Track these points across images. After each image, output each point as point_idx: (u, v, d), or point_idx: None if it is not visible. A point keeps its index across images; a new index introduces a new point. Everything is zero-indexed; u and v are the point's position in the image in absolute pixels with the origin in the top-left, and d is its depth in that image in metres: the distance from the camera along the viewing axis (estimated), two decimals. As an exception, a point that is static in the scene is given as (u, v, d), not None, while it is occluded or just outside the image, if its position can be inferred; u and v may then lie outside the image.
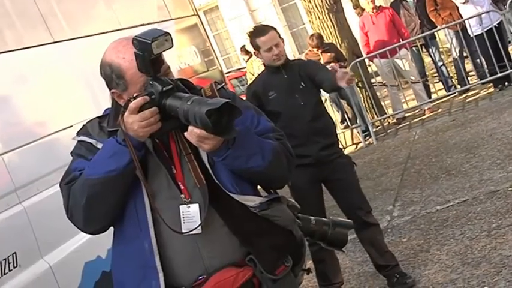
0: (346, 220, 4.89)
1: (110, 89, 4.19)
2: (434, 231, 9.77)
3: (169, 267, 4.07)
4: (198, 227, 4.00)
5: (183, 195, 4.07)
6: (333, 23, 18.66)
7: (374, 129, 17.68)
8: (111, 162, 3.96)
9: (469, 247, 8.82)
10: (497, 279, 7.72)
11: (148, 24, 10.83)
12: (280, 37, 8.38)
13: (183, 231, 4.01)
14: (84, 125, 4.37)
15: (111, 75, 4.10)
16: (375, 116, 18.58)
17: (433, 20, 19.18)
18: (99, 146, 4.16)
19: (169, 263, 4.09)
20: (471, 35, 17.91)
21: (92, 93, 8.71)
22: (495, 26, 17.46)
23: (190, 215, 4.04)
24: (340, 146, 8.88)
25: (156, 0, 12.57)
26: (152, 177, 4.11)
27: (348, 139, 17.08)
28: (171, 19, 12.70)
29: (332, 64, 8.41)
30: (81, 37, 9.54)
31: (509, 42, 17.53)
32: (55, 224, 5.93)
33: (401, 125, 18.27)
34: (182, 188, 4.09)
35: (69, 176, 4.20)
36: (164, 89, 3.82)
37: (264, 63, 8.65)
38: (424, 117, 18.28)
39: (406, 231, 10.13)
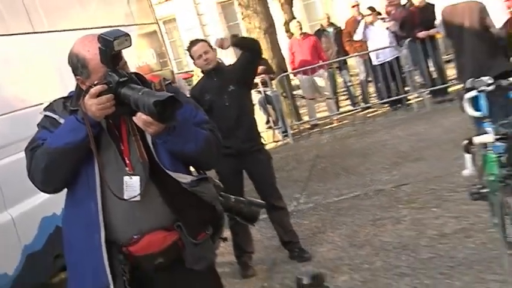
0: (260, 201, 4.94)
1: (75, 76, 4.17)
2: (330, 217, 9.92)
3: (110, 227, 4.07)
4: (137, 195, 4.02)
5: (127, 168, 4.08)
6: (267, 42, 18.66)
7: (291, 132, 17.64)
8: (70, 135, 3.98)
9: (356, 232, 8.99)
10: (375, 259, 7.88)
11: (116, 26, 10.79)
12: (210, 47, 8.48)
13: (125, 198, 4.01)
14: (50, 103, 4.36)
15: (77, 64, 4.09)
16: (293, 120, 18.54)
17: (347, 48, 19.31)
18: (62, 121, 4.15)
19: (111, 223, 4.08)
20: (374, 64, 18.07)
21: (61, 78, 8.66)
22: (396, 58, 17.62)
23: (132, 185, 4.05)
24: (263, 142, 8.85)
25: (124, 7, 12.56)
26: (103, 151, 4.10)
27: (270, 137, 17.05)
28: (135, 24, 12.70)
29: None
30: (58, 31, 9.52)
31: (409, 71, 17.57)
32: (20, 183, 5.92)
33: (313, 130, 18.26)
34: (127, 162, 4.09)
35: (33, 144, 4.20)
36: (120, 79, 3.88)
37: (202, 70, 8.67)
38: (332, 125, 18.33)
39: (308, 215, 10.25)
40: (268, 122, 17.85)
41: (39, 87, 8.81)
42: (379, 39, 17.93)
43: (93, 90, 3.87)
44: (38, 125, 4.32)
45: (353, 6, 19.93)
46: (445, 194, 9.50)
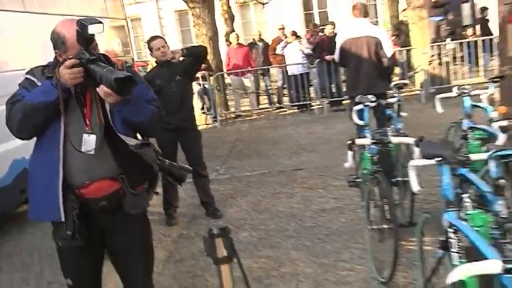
0: (188, 167, 4.90)
1: (54, 49, 4.17)
2: (241, 187, 9.98)
3: (68, 172, 4.08)
4: (92, 150, 4.05)
5: (87, 128, 4.09)
6: (210, 46, 18.61)
7: (220, 118, 17.62)
8: (44, 96, 4.01)
9: (259, 201, 9.08)
10: (270, 223, 7.97)
11: (93, 16, 10.69)
12: (166, 43, 8.54)
13: (82, 150, 4.03)
14: (31, 68, 4.33)
15: (57, 40, 4.11)
16: (222, 110, 18.53)
17: (271, 60, 19.41)
18: (39, 83, 4.16)
19: (69, 170, 4.08)
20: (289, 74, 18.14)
21: (43, 50, 8.56)
22: (307, 72, 17.81)
23: (89, 141, 4.07)
24: (197, 123, 8.86)
25: (101, 3, 12.44)
26: (69, 112, 4.09)
27: (202, 120, 16.95)
28: (108, 18, 12.58)
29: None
30: (45, 13, 9.42)
31: (315, 84, 17.72)
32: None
33: (237, 119, 18.26)
34: (88, 123, 4.10)
35: (13, 99, 4.19)
36: (90, 57, 3.91)
37: (156, 61, 8.64)
38: (252, 118, 18.34)
39: (224, 184, 10.28)
40: (203, 108, 17.75)
41: (26, 56, 8.66)
42: (294, 56, 18.14)
43: (67, 62, 3.90)
44: (19, 84, 4.29)
45: (280, 29, 20.22)
46: (330, 180, 9.63)
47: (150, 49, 8.49)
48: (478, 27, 22.22)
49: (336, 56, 10.55)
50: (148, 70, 12.15)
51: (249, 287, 3.38)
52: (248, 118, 18.32)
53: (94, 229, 4.23)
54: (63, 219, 4.06)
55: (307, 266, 6.39)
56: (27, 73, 4.30)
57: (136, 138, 4.31)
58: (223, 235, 3.19)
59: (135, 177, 4.23)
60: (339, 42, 10.36)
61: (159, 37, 8.76)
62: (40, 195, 4.19)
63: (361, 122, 7.58)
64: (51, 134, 4.12)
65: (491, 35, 18.64)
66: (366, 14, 10.62)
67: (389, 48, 10.25)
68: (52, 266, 6.68)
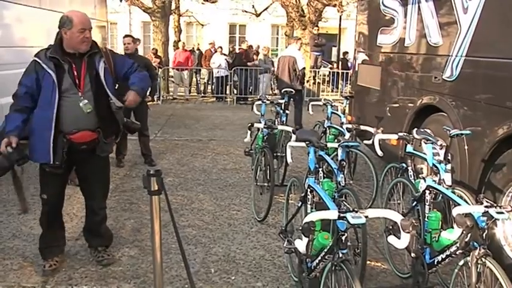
0: (137, 123, 5.06)
1: (61, 28, 4.08)
2: (171, 147, 9.85)
3: (62, 123, 4.05)
4: (87, 111, 4.10)
5: (80, 95, 4.09)
6: (163, 49, 18.61)
7: (162, 99, 17.33)
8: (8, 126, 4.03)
9: (182, 158, 8.97)
10: (188, 174, 7.92)
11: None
12: (133, 41, 8.37)
13: (86, 111, 4.09)
14: (38, 52, 4.16)
15: (66, 20, 4.06)
16: (165, 93, 18.24)
17: (202, 63, 19.48)
18: (44, 65, 4.05)
19: (62, 121, 4.05)
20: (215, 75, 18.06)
21: (48, 36, 8.26)
22: (227, 75, 17.79)
23: (84, 107, 4.09)
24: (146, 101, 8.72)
25: (91, 8, 12.06)
26: (65, 82, 4.05)
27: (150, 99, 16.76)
28: (96, 19, 12.22)
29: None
30: (52, 10, 9.07)
31: (232, 83, 17.77)
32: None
33: (173, 101, 17.90)
34: (81, 92, 4.10)
35: (16, 89, 4.12)
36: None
37: (124, 53, 8.31)
38: (184, 101, 18.01)
39: (159, 143, 10.12)
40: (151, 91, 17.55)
41: (36, 37, 8.29)
42: (219, 63, 17.97)
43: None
44: (26, 69, 4.16)
45: (210, 43, 20.29)
46: (232, 149, 9.64)
47: (123, 43, 8.26)
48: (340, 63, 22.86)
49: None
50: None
51: (171, 210, 3.35)
52: (181, 101, 18.03)
53: (72, 160, 4.27)
54: (51, 162, 4.07)
55: (210, 205, 6.40)
56: (35, 55, 4.14)
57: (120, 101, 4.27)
58: (157, 175, 3.18)
59: (108, 130, 4.28)
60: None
61: (129, 36, 8.49)
62: (36, 143, 4.09)
63: (259, 113, 7.68)
64: (47, 97, 4.03)
65: (348, 69, 19.16)
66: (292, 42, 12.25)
67: (301, 63, 11.58)
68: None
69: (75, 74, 4.10)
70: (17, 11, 7.89)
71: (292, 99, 10.39)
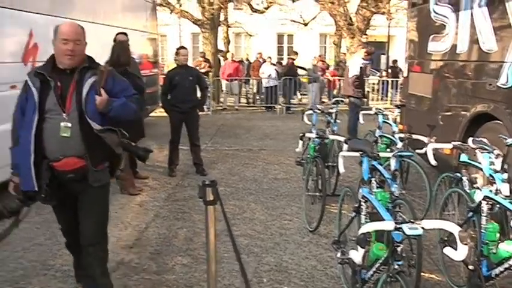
0: (149, 149, 4.19)
1: (53, 38, 3.63)
2: (221, 157, 9.91)
3: (45, 149, 3.52)
4: (68, 135, 3.50)
5: (64, 115, 3.51)
6: (213, 59, 18.80)
7: (212, 109, 17.45)
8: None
9: (233, 168, 9.02)
10: (239, 183, 7.94)
11: (136, 30, 10.59)
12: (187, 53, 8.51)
13: (61, 135, 3.49)
14: (34, 68, 3.80)
15: (54, 30, 3.63)
16: (214, 103, 18.42)
17: (251, 73, 19.62)
18: (29, 83, 3.59)
19: (46, 147, 3.52)
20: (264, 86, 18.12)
21: (99, 48, 8.42)
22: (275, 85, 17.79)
23: (66, 129, 3.50)
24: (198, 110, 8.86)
25: (144, 21, 12.31)
26: (48, 101, 3.53)
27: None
28: (147, 32, 12.47)
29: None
30: (106, 24, 9.31)
31: (280, 94, 17.81)
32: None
33: (223, 111, 18.07)
34: (65, 113, 3.53)
35: (15, 107, 3.70)
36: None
37: (177, 63, 8.46)
38: (234, 111, 18.18)
39: (210, 153, 10.17)
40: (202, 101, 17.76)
41: (89, 51, 8.43)
42: (269, 73, 17.99)
43: None
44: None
45: (258, 53, 20.40)
46: (282, 159, 9.64)
47: (177, 53, 8.39)
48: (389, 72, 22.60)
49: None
50: (168, 69, 12.11)
51: (227, 220, 3.37)
52: (231, 111, 18.16)
53: (66, 192, 3.69)
54: (36, 188, 3.55)
55: (261, 215, 6.41)
56: (28, 73, 3.70)
57: (105, 123, 3.65)
58: (212, 185, 3.20)
59: (97, 157, 3.64)
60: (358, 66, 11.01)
61: (185, 48, 8.65)
62: (20, 169, 3.63)
63: (309, 123, 7.68)
64: (29, 117, 3.54)
65: (398, 78, 18.91)
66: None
67: (352, 71, 10.95)
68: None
69: (61, 92, 3.56)
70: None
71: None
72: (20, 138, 3.61)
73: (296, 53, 18.89)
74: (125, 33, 7.57)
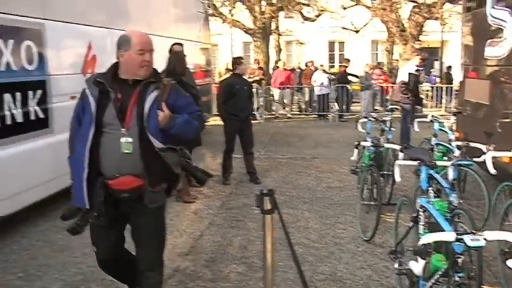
0: (209, 172, 3.88)
1: (118, 49, 3.43)
2: (274, 165, 9.93)
3: (101, 166, 3.34)
4: (129, 151, 3.30)
5: (124, 130, 3.30)
6: (265, 67, 18.95)
7: (264, 117, 17.56)
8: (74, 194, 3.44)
9: (287, 176, 9.02)
10: (292, 191, 7.91)
11: (191, 40, 10.72)
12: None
13: (122, 151, 3.29)
14: (90, 76, 3.56)
15: (124, 41, 3.41)
16: (267, 111, 18.49)
17: (302, 81, 19.52)
18: (87, 91, 3.40)
19: (101, 161, 3.33)
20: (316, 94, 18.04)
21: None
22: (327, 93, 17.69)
23: (127, 145, 3.29)
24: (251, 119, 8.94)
25: (197, 32, 12.50)
26: (107, 114, 3.33)
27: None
28: (201, 42, 12.64)
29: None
30: (163, 36, 9.48)
31: (332, 101, 17.70)
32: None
33: (276, 119, 18.12)
34: (126, 128, 3.31)
35: (73, 115, 3.50)
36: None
37: (234, 72, 8.53)
38: (286, 119, 18.20)
39: (263, 161, 10.21)
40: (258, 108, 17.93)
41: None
42: (321, 81, 17.87)
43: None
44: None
45: (310, 62, 20.26)
46: (336, 167, 9.56)
47: (239, 63, 8.50)
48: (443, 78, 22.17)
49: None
50: (222, 78, 12.24)
51: (286, 230, 3.34)
52: (283, 119, 18.17)
53: (119, 211, 3.50)
54: (88, 207, 3.36)
55: (316, 224, 6.39)
56: (86, 80, 3.51)
57: (167, 141, 3.44)
58: (270, 194, 3.21)
59: (155, 176, 3.40)
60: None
61: (242, 58, 8.81)
62: (74, 183, 3.41)
63: (364, 131, 7.60)
64: (85, 130, 3.34)
65: (452, 84, 18.53)
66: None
67: (401, 77, 10.86)
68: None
69: (121, 105, 3.35)
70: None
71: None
72: (75, 150, 3.42)
73: (348, 61, 18.76)
74: (181, 44, 7.69)
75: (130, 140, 3.29)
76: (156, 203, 3.48)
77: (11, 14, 5.87)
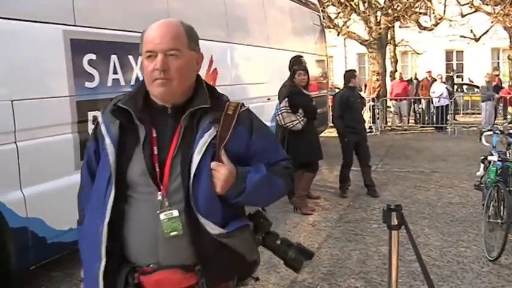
0: (309, 250, 2.23)
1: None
2: (392, 179, 9.74)
3: (127, 248, 1.98)
4: (179, 233, 1.93)
5: (165, 200, 1.93)
6: (381, 79, 18.65)
7: (380, 129, 17.28)
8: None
9: (405, 190, 8.82)
10: (411, 206, 7.74)
11: (307, 53, 10.77)
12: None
13: (164, 231, 1.92)
14: (106, 107, 2.12)
15: (140, 40, 2.03)
16: (383, 123, 18.20)
17: (419, 93, 19.01)
18: (103, 127, 2.03)
19: (126, 242, 1.97)
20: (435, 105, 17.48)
21: (274, 73, 8.81)
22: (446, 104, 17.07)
23: (170, 219, 1.92)
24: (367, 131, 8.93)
25: (313, 45, 12.57)
26: (133, 162, 1.97)
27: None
28: (317, 54, 12.69)
29: None
30: (277, 48, 9.62)
31: (452, 113, 17.07)
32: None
33: (392, 131, 17.80)
34: (165, 198, 1.93)
35: (84, 157, 2.14)
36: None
37: (347, 85, 8.54)
38: (402, 131, 17.77)
39: (380, 174, 10.03)
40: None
41: (264, 74, 8.95)
42: (440, 92, 17.25)
43: None
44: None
45: (427, 72, 19.61)
46: (456, 182, 9.20)
47: (353, 76, 8.51)
48: None
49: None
50: (336, 91, 12.22)
51: (415, 246, 3.26)
52: (400, 131, 17.77)
53: None
54: None
55: (436, 240, 6.19)
56: (103, 111, 2.11)
57: (230, 215, 2.03)
58: (397, 209, 3.17)
59: (215, 273, 2.01)
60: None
61: (356, 72, 8.84)
62: (84, 272, 2.10)
63: (488, 145, 7.26)
64: (100, 191, 2.00)
65: None
66: None
67: None
68: None
69: (157, 149, 1.98)
70: (247, 51, 8.58)
71: None
72: (85, 221, 2.10)
73: (498, 69, 17.99)
74: (301, 56, 7.87)
75: (175, 213, 1.94)
76: None
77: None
